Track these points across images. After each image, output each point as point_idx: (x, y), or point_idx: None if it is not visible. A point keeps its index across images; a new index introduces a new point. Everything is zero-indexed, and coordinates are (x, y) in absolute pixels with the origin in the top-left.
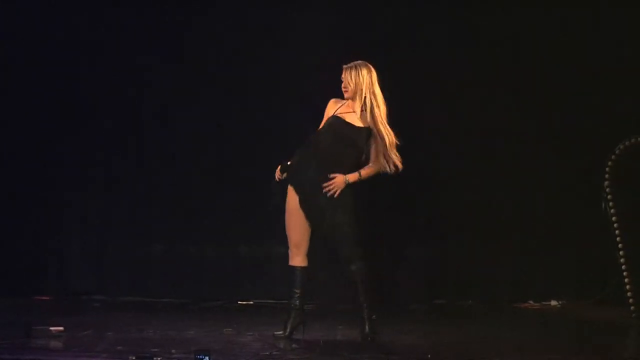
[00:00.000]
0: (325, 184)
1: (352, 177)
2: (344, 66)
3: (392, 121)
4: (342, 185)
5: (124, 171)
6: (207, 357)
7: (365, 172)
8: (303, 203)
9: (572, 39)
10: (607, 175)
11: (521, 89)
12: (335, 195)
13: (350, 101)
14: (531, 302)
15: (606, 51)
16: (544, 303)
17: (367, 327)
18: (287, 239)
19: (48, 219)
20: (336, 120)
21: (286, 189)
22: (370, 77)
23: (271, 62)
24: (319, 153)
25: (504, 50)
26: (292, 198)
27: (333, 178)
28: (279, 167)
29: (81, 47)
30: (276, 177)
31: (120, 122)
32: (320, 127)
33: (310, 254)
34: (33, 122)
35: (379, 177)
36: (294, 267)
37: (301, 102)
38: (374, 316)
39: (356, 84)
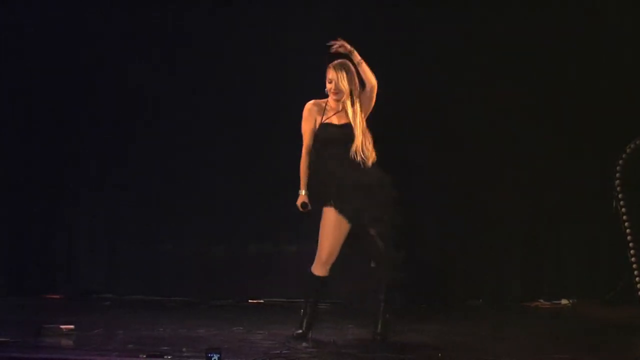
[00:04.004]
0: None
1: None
2: (332, 66)
3: (399, 121)
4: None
5: (133, 171)
6: (217, 356)
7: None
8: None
9: (582, 38)
10: (617, 174)
11: (529, 88)
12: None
13: (331, 100)
14: (542, 301)
15: (618, 50)
16: (554, 302)
17: (380, 325)
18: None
19: (58, 218)
20: (327, 128)
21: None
22: (354, 73)
23: (277, 61)
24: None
25: (514, 49)
26: (333, 220)
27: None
28: (301, 206)
29: (82, 48)
30: (304, 211)
31: (128, 121)
32: (307, 142)
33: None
34: (41, 123)
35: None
36: (314, 275)
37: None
38: (387, 315)
39: (348, 87)
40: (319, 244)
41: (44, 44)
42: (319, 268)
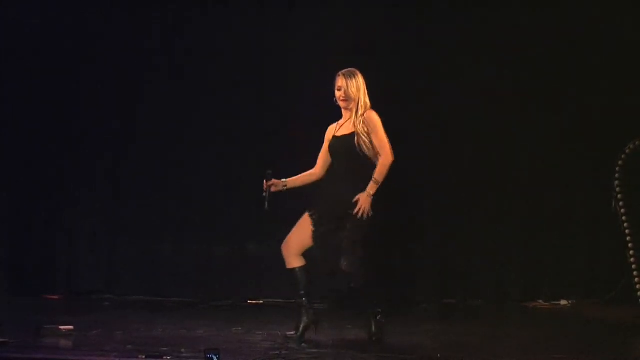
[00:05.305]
0: (355, 210)
1: (372, 188)
2: (342, 74)
3: (399, 121)
4: (369, 200)
5: (133, 171)
6: (216, 356)
7: (377, 174)
8: (320, 236)
9: (582, 36)
10: (617, 175)
11: (529, 88)
12: (366, 213)
13: (344, 112)
14: (541, 301)
15: (618, 50)
16: (553, 302)
17: (373, 326)
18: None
19: (58, 218)
20: (331, 141)
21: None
22: (363, 82)
23: (277, 61)
24: (336, 181)
25: (514, 49)
26: (307, 226)
27: (356, 203)
28: (264, 179)
29: (82, 48)
30: (265, 186)
31: (127, 122)
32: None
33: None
34: (41, 123)
35: (389, 177)
36: (293, 269)
37: (308, 103)
38: (379, 316)
39: (357, 95)
40: None
41: (44, 44)
42: (291, 259)
